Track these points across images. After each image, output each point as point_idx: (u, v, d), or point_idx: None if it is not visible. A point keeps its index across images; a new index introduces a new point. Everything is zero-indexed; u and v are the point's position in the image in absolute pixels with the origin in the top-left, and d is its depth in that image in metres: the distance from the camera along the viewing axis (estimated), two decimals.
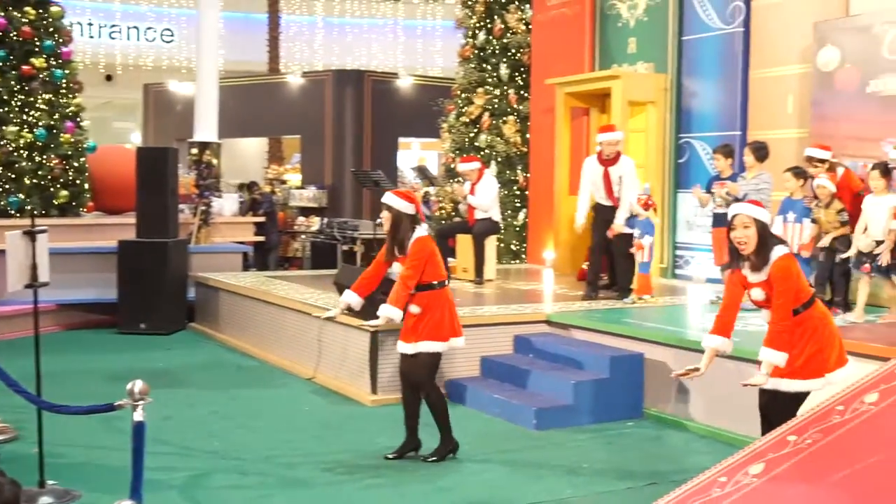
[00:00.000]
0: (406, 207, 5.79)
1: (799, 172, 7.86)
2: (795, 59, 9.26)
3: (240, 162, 20.69)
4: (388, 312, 5.70)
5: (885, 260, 7.10)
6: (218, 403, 7.36)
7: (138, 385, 3.90)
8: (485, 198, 10.12)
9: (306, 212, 17.39)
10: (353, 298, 6.00)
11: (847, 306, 7.66)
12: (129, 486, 3.93)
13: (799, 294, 4.59)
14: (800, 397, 4.56)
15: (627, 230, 8.75)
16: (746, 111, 9.83)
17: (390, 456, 5.88)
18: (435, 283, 5.75)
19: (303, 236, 16.76)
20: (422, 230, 5.79)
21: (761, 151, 8.16)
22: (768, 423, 4.52)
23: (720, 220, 8.48)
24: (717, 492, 3.73)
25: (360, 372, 7.62)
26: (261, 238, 14.29)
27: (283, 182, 18.85)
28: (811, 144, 8.23)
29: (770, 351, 4.54)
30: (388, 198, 5.86)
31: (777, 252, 4.58)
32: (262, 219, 14.56)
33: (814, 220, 7.70)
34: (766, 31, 9.61)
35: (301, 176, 18.56)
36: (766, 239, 4.61)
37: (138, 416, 3.88)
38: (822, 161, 7.85)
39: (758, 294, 4.65)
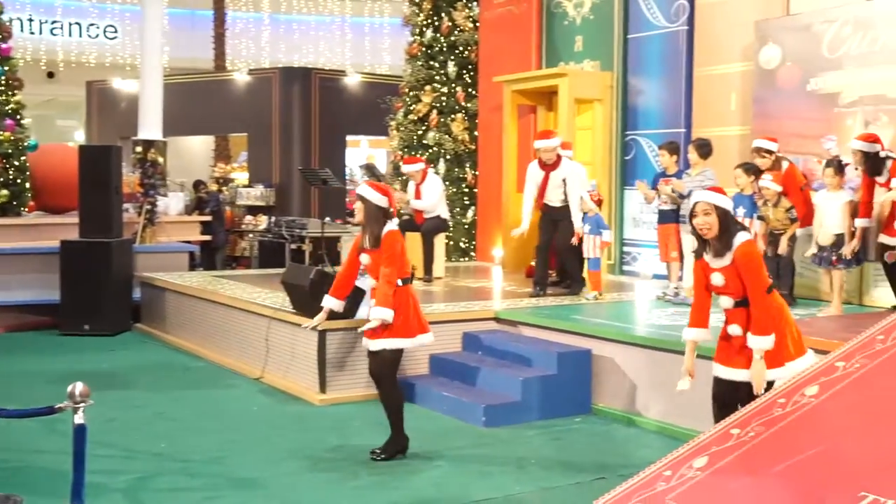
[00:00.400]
0: (379, 199, 5.78)
1: (749, 168, 7.96)
2: (738, 57, 9.40)
3: (186, 160, 20.43)
4: (381, 314, 5.69)
5: (847, 252, 7.25)
6: (164, 405, 7.27)
7: (79, 387, 3.83)
8: (429, 199, 10.12)
9: (254, 210, 17.24)
10: (332, 303, 6.13)
11: (793, 299, 7.78)
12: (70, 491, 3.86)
13: (766, 273, 4.68)
14: (765, 387, 4.63)
15: (583, 230, 8.81)
16: (691, 108, 9.95)
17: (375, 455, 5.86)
18: (399, 280, 5.74)
19: (250, 235, 16.62)
20: (393, 224, 5.78)
21: (704, 148, 8.26)
22: (723, 414, 4.56)
23: (666, 217, 8.59)
24: (662, 485, 3.75)
25: (308, 371, 7.57)
26: (207, 237, 14.14)
27: (231, 180, 18.67)
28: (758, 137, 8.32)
29: (757, 338, 4.60)
30: (362, 189, 5.89)
31: (739, 238, 4.64)
32: (208, 218, 14.41)
33: (760, 218, 7.81)
34: (709, 30, 9.74)
35: (248, 174, 18.40)
36: (728, 225, 4.67)
37: (79, 418, 3.81)
38: (770, 152, 7.94)
39: (718, 279, 4.70)
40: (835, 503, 3.31)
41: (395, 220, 5.88)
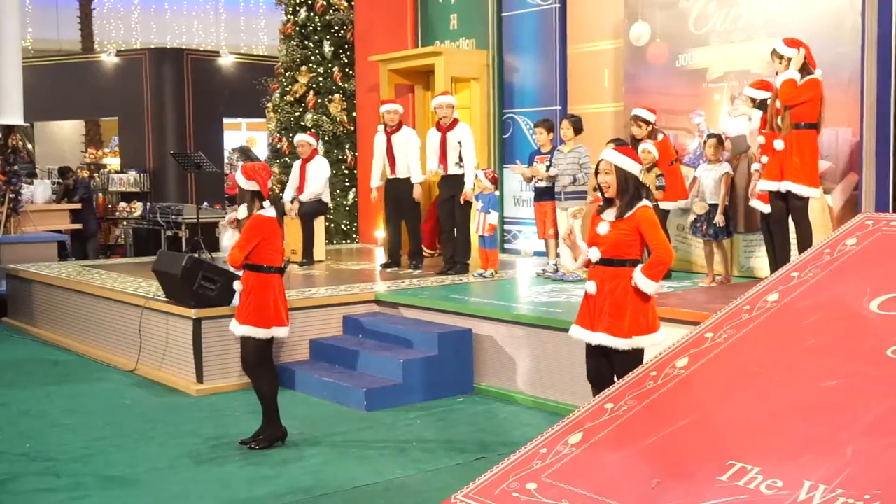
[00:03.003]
0: (245, 184, 5.66)
1: (620, 144, 8.03)
2: (609, 35, 9.50)
3: (57, 146, 19.68)
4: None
5: (720, 220, 7.40)
6: (30, 402, 6.95)
7: None
8: (317, 184, 9.99)
9: (128, 197, 16.69)
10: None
11: (668, 272, 7.90)
12: None
13: (641, 248, 4.72)
14: (638, 354, 4.68)
15: (473, 201, 8.81)
16: (566, 86, 10.03)
17: (251, 444, 5.74)
18: (264, 266, 5.60)
19: (125, 223, 16.09)
20: (265, 210, 5.61)
21: (578, 124, 8.34)
22: (600, 389, 4.58)
23: (542, 195, 8.64)
24: (539, 463, 3.75)
25: (184, 361, 7.36)
26: (78, 226, 13.62)
27: (103, 166, 18.04)
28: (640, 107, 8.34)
29: (643, 277, 4.63)
30: (238, 174, 5.77)
31: (642, 202, 4.70)
32: (78, 206, 13.87)
33: None
34: (581, 7, 9.81)
35: (120, 160, 17.79)
36: (629, 187, 4.70)
37: None
38: (647, 122, 8.03)
39: (603, 228, 4.73)
40: (704, 472, 3.36)
41: (271, 208, 5.65)
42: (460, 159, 8.90)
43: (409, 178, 9.27)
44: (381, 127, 9.44)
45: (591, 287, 4.75)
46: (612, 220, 4.72)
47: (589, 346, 4.84)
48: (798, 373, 3.85)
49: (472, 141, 8.99)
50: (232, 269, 6.18)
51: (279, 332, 5.68)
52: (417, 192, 9.26)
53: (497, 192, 8.95)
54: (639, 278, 4.65)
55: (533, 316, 6.88)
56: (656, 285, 4.68)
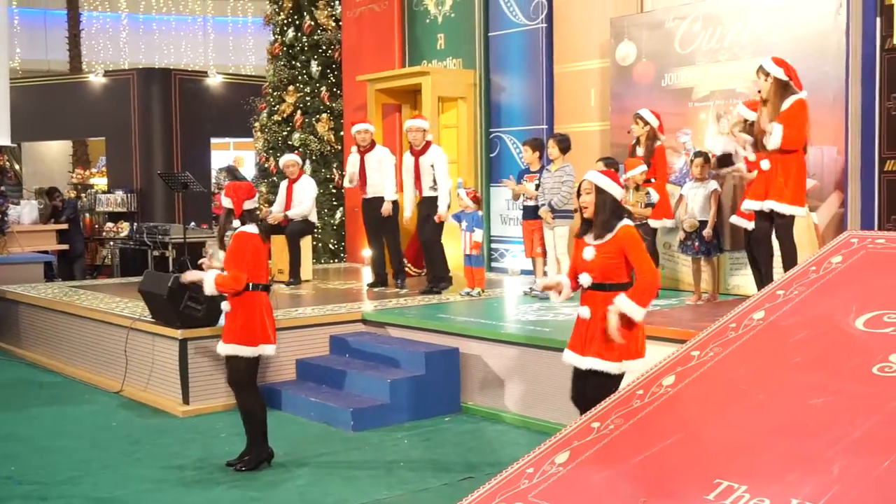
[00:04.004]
0: (225, 201, 5.71)
1: (610, 162, 8.05)
2: (596, 54, 9.55)
3: (44, 167, 19.64)
4: (207, 281, 5.57)
5: (708, 235, 7.43)
6: (15, 424, 6.89)
7: None
8: (307, 204, 9.98)
9: (115, 217, 16.65)
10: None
11: None
12: None
13: (629, 269, 4.69)
14: (618, 378, 4.66)
15: (453, 221, 8.80)
16: (552, 105, 10.07)
17: (237, 466, 5.69)
18: (249, 284, 5.58)
19: (112, 243, 16.03)
20: (247, 226, 5.61)
21: (564, 143, 8.35)
22: (585, 409, 4.57)
23: (530, 213, 8.65)
24: (525, 483, 3.74)
25: (170, 382, 7.32)
26: (65, 246, 13.57)
27: (90, 186, 18.00)
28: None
29: (628, 301, 4.57)
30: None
31: (623, 222, 4.68)
32: (65, 226, 13.82)
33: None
34: (567, 27, 9.87)
35: (107, 180, 17.76)
36: (608, 207, 4.68)
37: None
38: (646, 122, 7.96)
39: (589, 253, 4.69)
40: (691, 491, 3.35)
41: (252, 225, 5.67)
42: (435, 182, 8.91)
43: (382, 198, 9.27)
44: (353, 148, 9.48)
45: (585, 312, 4.71)
46: (595, 243, 4.71)
47: (576, 369, 4.83)
48: (784, 390, 3.86)
49: (445, 163, 9.00)
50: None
51: (267, 349, 5.67)
52: (387, 209, 9.27)
53: (481, 212, 8.95)
54: (625, 305, 4.57)
55: (520, 335, 6.88)
56: (644, 311, 4.64)
